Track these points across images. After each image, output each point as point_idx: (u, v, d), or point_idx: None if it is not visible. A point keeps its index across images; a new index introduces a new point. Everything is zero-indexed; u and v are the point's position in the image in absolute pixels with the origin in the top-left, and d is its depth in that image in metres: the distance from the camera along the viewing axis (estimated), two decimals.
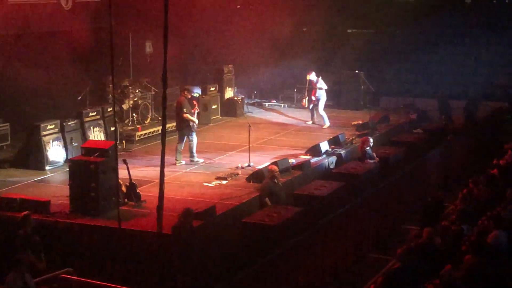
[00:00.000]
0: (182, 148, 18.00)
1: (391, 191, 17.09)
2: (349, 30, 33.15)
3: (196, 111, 18.21)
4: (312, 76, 23.24)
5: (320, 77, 23.15)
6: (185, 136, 17.96)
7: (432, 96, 25.46)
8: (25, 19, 19.96)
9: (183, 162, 17.90)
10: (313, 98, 23.11)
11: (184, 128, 17.96)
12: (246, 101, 25.55)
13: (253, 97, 27.52)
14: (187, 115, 17.86)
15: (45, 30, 20.51)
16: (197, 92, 24.20)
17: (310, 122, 23.33)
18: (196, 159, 17.97)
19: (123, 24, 21.39)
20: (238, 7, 30.45)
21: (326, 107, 23.51)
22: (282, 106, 26.67)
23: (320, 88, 23.00)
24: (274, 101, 27.02)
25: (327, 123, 22.76)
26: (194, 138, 17.98)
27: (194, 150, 18.01)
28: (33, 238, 11.84)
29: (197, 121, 18.05)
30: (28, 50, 19.59)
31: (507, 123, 24.51)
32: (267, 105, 26.83)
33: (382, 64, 30.08)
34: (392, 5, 33.97)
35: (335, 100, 25.84)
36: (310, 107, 23.33)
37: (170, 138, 20.32)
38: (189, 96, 18.37)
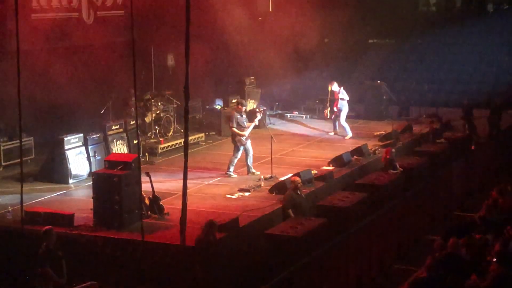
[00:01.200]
0: (235, 160, 17.93)
1: (414, 201, 17.00)
2: (370, 41, 33.12)
3: (253, 124, 18.08)
4: (334, 87, 23.19)
5: (342, 88, 23.11)
6: (238, 149, 17.92)
7: (455, 106, 25.33)
8: (47, 34, 20.09)
9: (233, 175, 17.85)
10: (335, 109, 23.06)
11: (235, 141, 17.96)
12: (268, 113, 25.55)
13: (275, 108, 27.52)
14: (234, 129, 17.84)
15: (67, 44, 20.65)
16: (218, 104, 24.25)
17: (332, 133, 23.27)
18: (252, 170, 17.88)
19: (145, 37, 21.49)
20: (259, 19, 30.49)
21: (348, 117, 23.45)
22: (304, 117, 26.62)
23: (342, 99, 22.95)
24: (296, 112, 26.98)
25: (350, 134, 22.68)
26: (248, 150, 17.89)
27: (248, 162, 17.93)
28: (54, 253, 11.86)
29: (245, 134, 17.87)
30: (51, 65, 19.71)
31: None
32: (289, 116, 26.80)
33: (405, 74, 30.00)
34: (413, 14, 33.95)
35: (357, 111, 25.78)
36: (333, 117, 23.29)
37: (192, 151, 20.41)
38: (242, 110, 18.20)
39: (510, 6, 34.38)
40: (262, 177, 17.42)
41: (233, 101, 24.11)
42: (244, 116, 18.10)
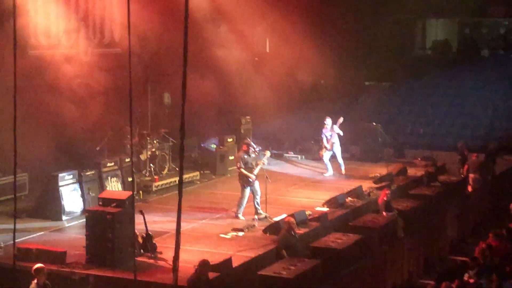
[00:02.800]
0: (243, 202, 17.75)
1: (408, 244, 16.96)
2: (366, 83, 33.29)
3: (261, 165, 17.95)
4: (327, 122, 23.18)
5: (334, 124, 23.12)
6: (245, 190, 17.79)
7: (450, 149, 25.38)
8: (44, 70, 20.16)
9: (242, 217, 17.66)
10: (327, 146, 23.03)
11: (242, 181, 17.82)
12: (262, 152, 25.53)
13: (270, 148, 27.52)
14: (242, 170, 17.73)
15: (64, 81, 20.69)
16: (214, 143, 24.26)
17: (329, 173, 23.24)
18: (260, 211, 17.65)
19: (142, 75, 21.56)
20: (256, 59, 30.66)
21: (343, 158, 23.50)
22: (299, 157, 26.63)
23: (338, 134, 22.94)
24: (292, 153, 26.99)
25: (331, 172, 22.92)
26: (256, 192, 17.72)
27: (255, 203, 17.73)
28: None
29: (254, 175, 17.77)
30: (46, 100, 19.75)
31: None
32: (284, 156, 26.81)
33: (400, 116, 30.11)
34: (409, 57, 34.17)
35: (352, 152, 25.81)
36: (326, 156, 23.20)
37: (187, 189, 20.38)
38: (249, 150, 18.04)
39: (505, 51, 34.65)
40: (256, 217, 17.37)
41: (229, 140, 24.17)
42: (253, 156, 18.05)
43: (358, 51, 31.97)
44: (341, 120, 23.02)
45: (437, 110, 30.21)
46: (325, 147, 23.09)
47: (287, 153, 27.08)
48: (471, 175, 22.07)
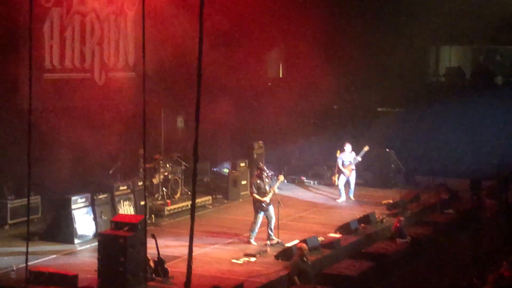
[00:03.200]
0: (255, 227, 17.72)
1: (421, 272, 16.86)
2: (379, 109, 33.25)
3: (273, 190, 17.84)
4: (347, 147, 23.21)
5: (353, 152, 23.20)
6: (258, 215, 17.74)
7: (464, 176, 25.28)
8: (59, 94, 20.27)
9: (254, 243, 17.62)
10: (347, 172, 23.02)
11: (256, 206, 17.79)
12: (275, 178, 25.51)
13: (283, 173, 27.50)
14: (255, 195, 17.71)
15: (78, 104, 20.79)
16: (226, 167, 24.26)
17: (342, 199, 23.23)
18: (272, 237, 17.59)
19: (156, 99, 21.62)
20: (269, 84, 30.73)
21: (355, 184, 23.52)
22: (312, 183, 26.60)
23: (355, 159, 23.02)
24: (304, 178, 26.97)
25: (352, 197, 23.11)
26: (270, 217, 17.67)
27: (268, 229, 17.69)
28: None
29: (267, 200, 17.69)
30: (60, 124, 19.83)
31: None
32: (297, 181, 26.78)
33: (413, 143, 30.03)
34: (423, 84, 34.11)
35: (365, 178, 25.75)
36: (341, 182, 23.20)
37: (199, 213, 20.37)
38: (262, 175, 18.00)
39: None
40: (268, 242, 17.31)
41: (241, 164, 24.17)
42: (267, 181, 18.02)
43: (371, 76, 31.97)
44: (366, 149, 23.10)
45: (450, 137, 30.12)
46: (342, 172, 23.06)
47: (300, 178, 27.05)
48: (488, 201, 22.03)
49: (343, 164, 23.13)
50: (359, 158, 23.12)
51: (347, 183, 23.27)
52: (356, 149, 23.67)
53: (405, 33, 32.06)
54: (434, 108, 31.85)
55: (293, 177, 27.09)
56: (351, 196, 23.36)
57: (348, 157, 23.19)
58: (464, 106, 31.37)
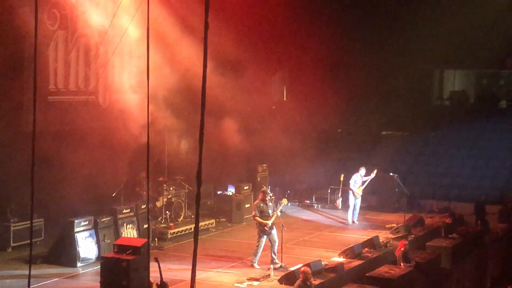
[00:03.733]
0: (258, 251, 17.68)
1: None
2: (383, 132, 33.25)
3: (276, 214, 17.80)
4: (362, 171, 23.22)
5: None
6: (261, 238, 17.70)
7: (468, 201, 25.22)
8: (63, 116, 20.27)
9: (257, 266, 17.57)
10: (359, 192, 23.04)
11: (259, 230, 17.76)
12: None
13: (286, 196, 27.43)
14: (257, 218, 17.66)
15: (82, 126, 20.80)
16: (230, 190, 24.22)
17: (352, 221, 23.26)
18: (276, 261, 17.52)
19: (160, 122, 21.63)
20: (273, 107, 30.76)
21: (361, 208, 23.54)
22: (315, 206, 26.55)
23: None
24: (308, 201, 26.93)
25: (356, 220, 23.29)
26: (273, 241, 17.64)
27: (272, 252, 17.64)
28: None
29: (269, 223, 17.61)
30: (65, 146, 19.83)
31: None
32: (300, 205, 26.73)
33: (417, 167, 29.98)
34: (427, 108, 34.16)
35: (369, 202, 25.70)
36: (354, 205, 23.22)
37: (202, 237, 20.30)
38: (265, 198, 17.93)
39: None
40: (271, 266, 17.23)
41: (245, 188, 24.13)
42: (270, 204, 17.98)
43: (375, 100, 32.04)
44: (375, 171, 23.18)
45: (454, 160, 30.08)
46: (353, 193, 23.05)
47: (304, 201, 27.01)
48: (500, 225, 22.10)
49: (354, 185, 23.15)
50: (368, 179, 23.15)
51: (354, 206, 23.26)
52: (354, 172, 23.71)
53: (409, 57, 32.18)
54: (438, 132, 31.88)
55: (297, 201, 27.04)
56: (355, 219, 23.34)
57: (360, 179, 23.22)
58: (468, 130, 31.40)
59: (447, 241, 20.26)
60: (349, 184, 23.39)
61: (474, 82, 37.83)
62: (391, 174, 24.20)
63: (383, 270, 16.91)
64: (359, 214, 23.61)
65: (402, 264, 17.43)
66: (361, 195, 23.32)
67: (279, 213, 17.92)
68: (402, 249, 17.69)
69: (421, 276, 17.31)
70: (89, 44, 21.01)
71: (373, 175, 23.23)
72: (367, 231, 22.02)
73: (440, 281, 18.15)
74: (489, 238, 22.01)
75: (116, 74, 22.26)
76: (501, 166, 29.30)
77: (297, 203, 26.85)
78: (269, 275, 16.67)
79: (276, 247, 17.64)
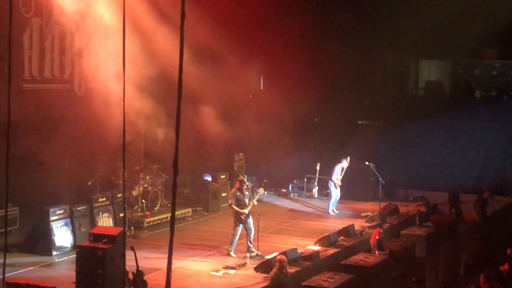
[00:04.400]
0: (234, 239, 17.72)
1: (400, 285, 16.88)
2: (359, 122, 33.39)
3: (252, 203, 17.84)
4: (345, 163, 23.34)
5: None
6: (237, 227, 17.73)
7: (442, 190, 25.43)
8: (39, 105, 20.17)
9: (233, 255, 17.60)
10: (339, 182, 23.13)
11: (235, 219, 17.79)
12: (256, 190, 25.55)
13: (263, 185, 27.49)
14: (233, 206, 17.71)
15: (58, 115, 20.70)
16: (206, 178, 24.23)
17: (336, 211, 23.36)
18: (252, 249, 17.57)
19: (135, 112, 21.57)
20: (250, 96, 30.77)
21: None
22: (292, 195, 26.63)
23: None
24: (284, 190, 27.00)
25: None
26: (249, 229, 17.66)
27: (248, 241, 17.66)
28: None
29: (245, 212, 17.65)
30: (40, 135, 19.73)
31: None
32: (276, 194, 26.80)
33: (392, 156, 30.16)
34: (402, 97, 34.32)
35: (344, 191, 25.79)
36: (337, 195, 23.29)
37: (179, 225, 20.32)
38: (242, 187, 17.96)
39: (497, 93, 34.87)
40: (248, 254, 17.29)
41: (222, 177, 24.17)
42: (247, 193, 18.01)
43: (351, 90, 32.14)
44: (348, 159, 23.29)
45: (429, 150, 30.29)
46: (334, 183, 23.11)
47: (280, 190, 27.08)
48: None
49: (336, 175, 23.20)
50: (346, 164, 23.24)
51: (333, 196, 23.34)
52: (339, 162, 23.77)
53: (385, 47, 32.29)
54: (414, 122, 32.06)
55: (273, 189, 27.11)
56: (335, 209, 23.39)
57: (341, 170, 23.29)
58: (444, 119, 31.61)
59: (421, 229, 20.43)
60: (331, 174, 23.37)
61: (450, 72, 38.05)
62: (366, 163, 24.36)
63: (358, 258, 17.04)
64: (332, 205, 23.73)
65: (376, 252, 17.57)
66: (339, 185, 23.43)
67: (255, 202, 17.98)
68: (377, 237, 17.82)
69: (395, 264, 17.44)
70: (64, 32, 20.91)
71: (347, 163, 23.30)
72: (342, 220, 22.14)
73: (415, 269, 18.29)
74: (463, 227, 22.21)
75: (91, 62, 22.16)
76: (476, 155, 29.56)
77: (274, 192, 26.92)
78: (245, 264, 16.73)
79: (252, 236, 17.69)
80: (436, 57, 36.13)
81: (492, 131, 30.85)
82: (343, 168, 23.36)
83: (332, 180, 23.26)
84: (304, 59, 29.10)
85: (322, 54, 30.97)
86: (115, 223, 19.37)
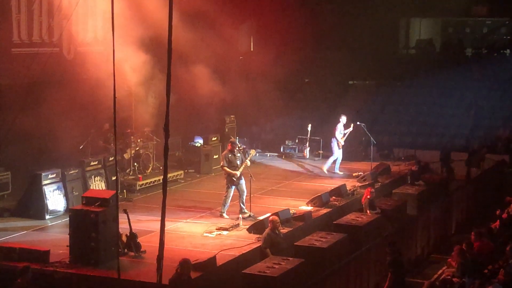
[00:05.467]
0: (227, 200, 17.73)
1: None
2: (350, 82, 33.35)
3: (245, 163, 17.84)
4: (343, 119, 23.22)
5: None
6: (230, 189, 17.76)
7: (434, 148, 25.50)
8: (27, 69, 20.05)
9: (226, 216, 17.62)
10: (342, 142, 23.09)
11: (228, 181, 17.81)
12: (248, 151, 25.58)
13: (254, 147, 27.52)
14: (225, 168, 17.70)
15: (47, 79, 20.59)
16: (198, 141, 24.23)
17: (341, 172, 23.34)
18: (244, 211, 17.59)
19: (125, 74, 21.50)
20: (240, 58, 30.67)
21: (328, 157, 23.70)
22: (283, 156, 26.67)
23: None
24: (276, 152, 27.02)
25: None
26: (241, 191, 17.69)
27: (240, 202, 17.69)
28: None
29: (237, 174, 17.68)
30: (30, 99, 19.64)
31: (509, 176, 24.49)
32: (268, 155, 26.84)
33: (384, 115, 30.19)
34: (393, 57, 34.24)
35: None
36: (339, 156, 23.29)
37: (171, 188, 20.33)
38: (234, 149, 17.92)
39: (488, 50, 34.83)
40: (240, 216, 17.36)
41: (213, 139, 24.18)
42: (239, 155, 18.02)
43: (342, 49, 32.04)
44: (352, 126, 23.22)
45: (420, 109, 30.31)
46: (338, 143, 23.05)
47: (272, 151, 27.11)
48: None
49: (339, 134, 23.13)
50: (347, 132, 23.19)
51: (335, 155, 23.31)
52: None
53: (375, 5, 32.14)
54: (405, 81, 32.05)
55: (265, 151, 27.14)
56: (338, 170, 23.35)
57: (343, 129, 23.22)
58: (435, 78, 31.60)
59: (413, 188, 20.52)
60: (334, 133, 23.28)
61: (440, 30, 37.95)
62: (358, 123, 24.41)
63: (350, 217, 17.12)
64: (325, 163, 23.76)
65: (368, 211, 17.66)
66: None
67: (248, 163, 18.02)
68: (368, 196, 17.89)
69: (387, 222, 17.54)
70: None
71: (351, 128, 23.25)
72: (334, 180, 22.21)
73: (406, 228, 18.42)
74: (454, 185, 22.33)
75: (80, 25, 22.01)
76: (467, 114, 29.61)
77: (265, 153, 26.95)
78: (238, 225, 16.79)
79: (244, 197, 17.75)
80: (426, 15, 36.00)
81: (483, 89, 30.86)
82: (344, 127, 23.23)
83: (335, 138, 23.14)
84: (294, 19, 28.96)
85: (311, 14, 30.82)
86: (108, 186, 19.40)
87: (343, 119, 23.31)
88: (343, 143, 23.21)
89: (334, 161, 23.38)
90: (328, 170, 23.38)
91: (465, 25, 37.50)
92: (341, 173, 23.26)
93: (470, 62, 33.37)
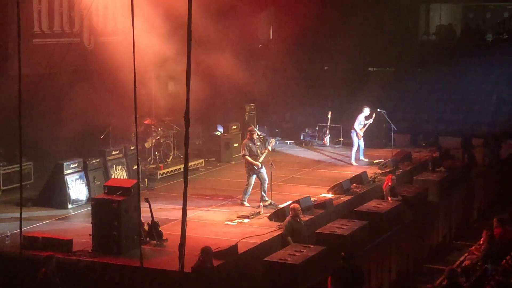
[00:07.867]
0: (248, 189, 17.76)
1: (413, 230, 16.98)
2: (370, 69, 33.23)
3: (265, 152, 17.83)
4: (366, 111, 23.13)
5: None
6: (251, 177, 17.77)
7: (455, 135, 25.39)
8: (48, 59, 20.15)
9: (247, 204, 17.65)
10: (361, 133, 22.98)
11: (249, 169, 17.84)
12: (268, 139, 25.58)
13: (275, 135, 27.53)
14: (247, 157, 17.71)
15: (68, 69, 20.70)
16: (219, 130, 24.28)
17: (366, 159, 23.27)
18: (266, 199, 17.62)
19: (146, 64, 21.55)
20: (260, 46, 30.64)
21: (349, 145, 23.62)
22: (304, 144, 26.66)
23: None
24: (296, 140, 27.00)
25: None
26: (263, 179, 17.72)
27: (262, 190, 17.71)
28: (51, 280, 11.84)
29: (259, 164, 17.68)
30: (51, 89, 19.76)
31: None
32: (289, 143, 26.84)
33: (404, 102, 30.07)
34: (413, 43, 34.08)
35: None
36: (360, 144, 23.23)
37: (192, 176, 20.42)
38: (253, 137, 17.93)
39: (509, 36, 34.55)
40: (261, 204, 17.39)
41: (233, 127, 24.21)
42: (259, 143, 18.04)
43: (362, 37, 31.91)
44: (374, 115, 23.13)
45: (441, 95, 30.17)
46: (357, 133, 22.95)
47: (292, 139, 27.09)
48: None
49: (358, 126, 23.01)
50: (368, 123, 23.09)
51: (357, 146, 23.20)
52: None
53: None
54: (425, 67, 31.89)
55: (285, 139, 27.13)
56: (362, 157, 23.25)
57: (363, 120, 23.09)
58: (455, 64, 31.42)
59: (434, 175, 20.46)
60: (353, 123, 23.21)
61: (461, 16, 37.70)
62: (378, 110, 24.35)
63: (371, 204, 17.11)
64: (346, 150, 23.72)
65: (389, 198, 17.63)
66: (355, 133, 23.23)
67: (270, 149, 18.06)
68: (389, 183, 17.87)
69: (408, 209, 17.51)
70: None
71: (371, 120, 23.16)
72: (355, 167, 22.19)
73: (428, 215, 18.38)
74: (475, 171, 22.24)
75: (100, 16, 22.09)
76: (488, 100, 29.43)
77: (285, 141, 26.94)
78: (259, 213, 16.84)
79: (265, 185, 17.76)
80: (446, 1, 35.78)
81: (504, 74, 30.64)
82: (365, 118, 23.12)
83: (354, 129, 23.07)
84: (313, 7, 28.88)
85: (330, 1, 30.73)
86: (129, 175, 19.50)
87: (366, 111, 23.16)
88: (362, 134, 23.06)
89: (357, 150, 23.28)
90: (356, 159, 23.23)
91: (485, 10, 37.22)
92: (366, 160, 23.18)
93: (491, 47, 33.13)
